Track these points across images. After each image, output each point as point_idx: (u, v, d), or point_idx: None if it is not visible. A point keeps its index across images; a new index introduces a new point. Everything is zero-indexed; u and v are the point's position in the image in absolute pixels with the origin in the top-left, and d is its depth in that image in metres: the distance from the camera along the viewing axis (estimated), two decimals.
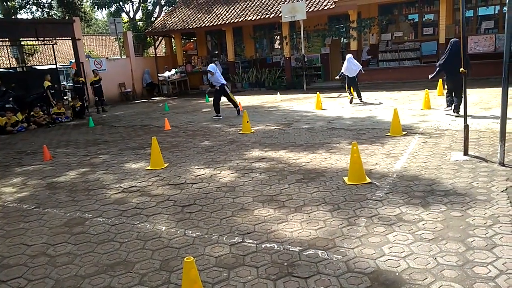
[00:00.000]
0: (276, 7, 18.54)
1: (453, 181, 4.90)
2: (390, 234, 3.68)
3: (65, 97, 17.26)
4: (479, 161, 5.56)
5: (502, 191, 4.45)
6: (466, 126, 5.73)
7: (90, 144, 9.50)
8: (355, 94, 12.35)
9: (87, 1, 31.80)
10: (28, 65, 21.00)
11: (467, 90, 5.94)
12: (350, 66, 12.02)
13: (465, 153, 5.85)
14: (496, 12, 16.64)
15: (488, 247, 3.30)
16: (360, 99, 12.31)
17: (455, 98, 8.78)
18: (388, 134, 7.67)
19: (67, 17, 23.15)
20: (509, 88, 5.19)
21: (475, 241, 3.40)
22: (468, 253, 3.22)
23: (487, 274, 2.93)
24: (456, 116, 8.68)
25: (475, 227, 3.67)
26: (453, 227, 3.70)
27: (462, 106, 9.10)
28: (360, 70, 12.16)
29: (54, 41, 16.23)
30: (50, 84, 14.27)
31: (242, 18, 19.10)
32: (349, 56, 12.29)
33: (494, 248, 3.27)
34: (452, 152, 6.15)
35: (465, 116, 5.80)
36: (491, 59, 14.85)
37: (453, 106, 8.83)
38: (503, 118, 5.15)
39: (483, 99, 10.75)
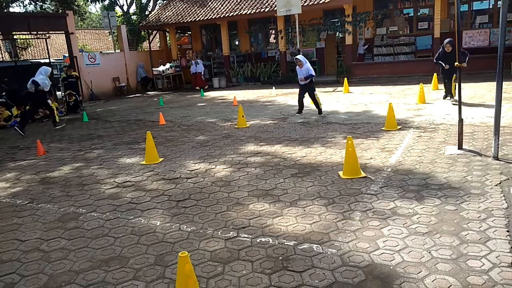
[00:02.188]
0: (271, 1, 18.45)
1: (447, 175, 4.92)
2: (385, 228, 3.69)
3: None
4: (473, 155, 5.59)
5: (496, 185, 4.47)
6: (461, 120, 5.75)
7: (84, 138, 9.44)
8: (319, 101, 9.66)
9: None
10: (21, 59, 20.79)
11: (461, 84, 5.95)
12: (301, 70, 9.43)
13: (460, 147, 5.87)
14: (491, 6, 16.67)
15: (482, 240, 3.32)
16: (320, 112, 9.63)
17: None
18: (383, 128, 7.69)
19: (60, 11, 22.92)
20: (504, 82, 5.21)
21: (469, 235, 3.42)
22: (462, 247, 3.24)
23: (480, 267, 2.95)
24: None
25: (469, 220, 3.69)
26: (447, 221, 3.71)
27: (451, 98, 9.98)
28: (310, 75, 9.36)
29: (47, 35, 16.07)
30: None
31: (237, 12, 19.00)
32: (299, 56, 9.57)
33: (487, 241, 3.29)
34: (446, 146, 6.17)
35: (460, 110, 5.81)
36: (486, 53, 14.89)
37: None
38: (497, 112, 5.17)
39: (477, 93, 10.80)
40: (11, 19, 15.37)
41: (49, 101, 10.47)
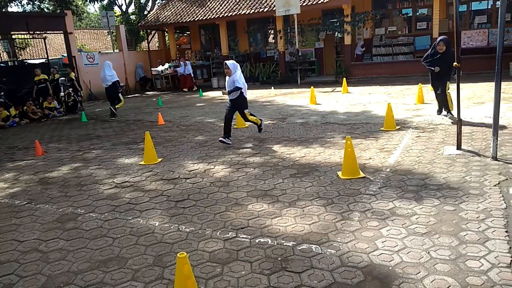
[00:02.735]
0: (270, 0, 18.45)
1: (446, 175, 4.92)
2: (384, 228, 3.69)
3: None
4: (472, 156, 5.59)
5: (494, 185, 4.47)
6: (459, 121, 5.75)
7: (83, 139, 9.42)
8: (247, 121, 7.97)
9: None
10: (20, 59, 20.75)
11: (460, 84, 5.95)
12: (233, 79, 7.27)
13: (458, 147, 5.88)
14: (489, 6, 16.69)
15: (480, 240, 3.32)
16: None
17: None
18: (382, 128, 7.69)
19: (58, 11, 22.88)
20: (502, 82, 5.21)
21: (468, 235, 3.42)
22: (461, 247, 3.24)
23: (479, 267, 2.95)
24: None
25: (467, 221, 3.69)
26: (446, 221, 3.71)
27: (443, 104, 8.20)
28: (235, 88, 7.23)
29: (44, 35, 16.03)
30: (42, 78, 14.11)
31: (236, 12, 18.99)
32: (229, 62, 7.34)
33: (486, 241, 3.29)
34: (445, 146, 6.18)
35: (458, 110, 5.82)
36: (484, 53, 14.92)
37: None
38: (496, 112, 5.17)
39: (476, 94, 10.81)
40: (10, 18, 15.32)
41: (119, 95, 12.64)
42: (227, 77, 7.42)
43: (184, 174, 5.91)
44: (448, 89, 7.84)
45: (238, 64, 7.41)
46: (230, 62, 7.31)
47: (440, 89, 7.90)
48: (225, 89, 7.54)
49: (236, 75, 7.27)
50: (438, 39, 7.75)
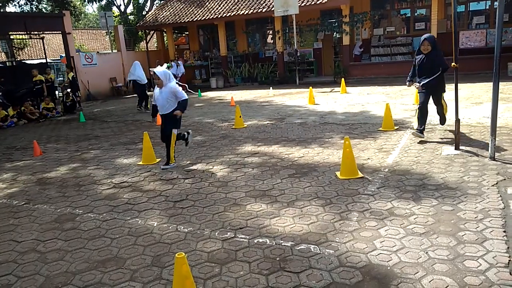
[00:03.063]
0: (269, 1, 18.45)
1: (444, 175, 4.93)
2: (382, 228, 3.69)
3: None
4: (470, 156, 5.60)
5: (492, 185, 4.48)
6: (458, 121, 5.76)
7: (81, 139, 9.40)
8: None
9: None
10: (18, 59, 20.72)
11: (458, 85, 5.96)
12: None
13: (456, 147, 5.89)
14: (487, 7, 16.73)
15: (478, 240, 3.32)
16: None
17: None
18: (380, 128, 7.70)
19: (56, 11, 22.85)
20: (500, 83, 5.22)
21: (466, 235, 3.43)
22: (459, 247, 3.24)
23: (477, 267, 2.95)
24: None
25: (466, 221, 3.69)
26: (444, 221, 3.72)
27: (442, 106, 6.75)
28: (183, 102, 6.21)
29: (42, 35, 16.02)
30: (39, 79, 14.08)
31: (234, 12, 18.99)
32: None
33: (484, 241, 3.30)
34: (443, 146, 6.18)
35: (457, 110, 5.82)
36: (482, 54, 14.95)
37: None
38: (494, 112, 5.18)
39: (474, 94, 10.82)
40: (8, 19, 15.31)
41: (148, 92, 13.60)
42: (156, 90, 6.18)
43: (182, 174, 5.90)
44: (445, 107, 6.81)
45: (169, 72, 6.22)
46: (159, 71, 6.06)
47: (436, 101, 6.68)
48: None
49: (172, 85, 6.09)
50: (422, 37, 6.51)
